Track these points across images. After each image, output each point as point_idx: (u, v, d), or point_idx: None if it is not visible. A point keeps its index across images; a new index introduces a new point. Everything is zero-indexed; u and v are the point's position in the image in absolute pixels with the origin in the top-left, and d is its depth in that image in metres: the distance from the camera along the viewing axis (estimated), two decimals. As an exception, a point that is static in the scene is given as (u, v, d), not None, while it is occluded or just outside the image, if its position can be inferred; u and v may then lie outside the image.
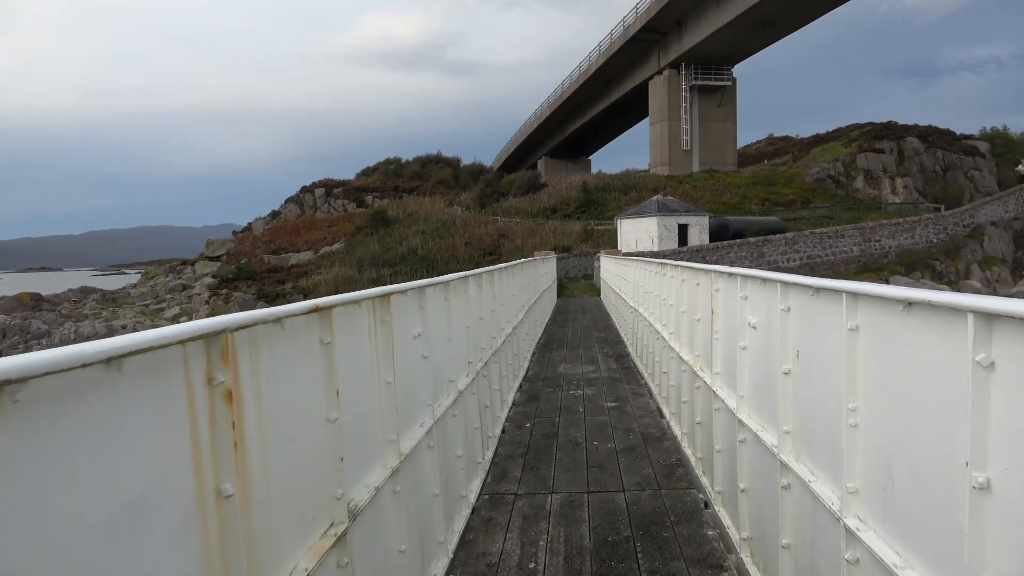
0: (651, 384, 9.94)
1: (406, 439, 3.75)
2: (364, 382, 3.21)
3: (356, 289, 3.73)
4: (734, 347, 4.61)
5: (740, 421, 4.44)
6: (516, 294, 10.59)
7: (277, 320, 2.26)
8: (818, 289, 3.05)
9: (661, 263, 8.56)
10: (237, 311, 30.16)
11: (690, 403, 6.56)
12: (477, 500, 5.87)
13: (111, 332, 31.19)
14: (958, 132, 59.12)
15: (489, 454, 6.97)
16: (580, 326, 18.32)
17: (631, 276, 13.32)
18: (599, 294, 27.73)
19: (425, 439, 4.15)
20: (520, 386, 10.43)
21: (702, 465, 6.05)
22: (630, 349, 13.46)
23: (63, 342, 31.75)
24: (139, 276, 74.00)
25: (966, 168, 53.30)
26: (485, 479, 6.42)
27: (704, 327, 5.83)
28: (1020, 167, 59.97)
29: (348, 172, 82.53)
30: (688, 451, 6.73)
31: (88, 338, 32.04)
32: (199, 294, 42.81)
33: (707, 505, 5.54)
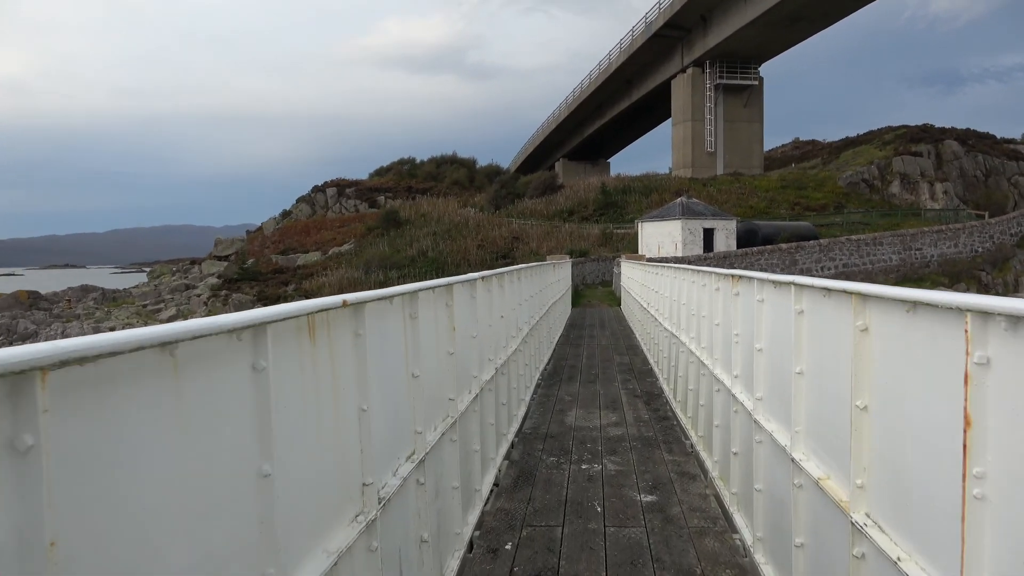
0: (704, 456, 6.71)
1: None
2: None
3: (360, 291, 3.14)
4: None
5: None
6: (515, 309, 8.19)
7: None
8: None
9: (730, 275, 5.59)
10: (232, 311, 28.55)
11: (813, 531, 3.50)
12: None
13: (99, 333, 29.38)
14: (998, 136, 56.19)
15: None
16: (598, 346, 15.29)
17: (666, 288, 10.19)
18: (619, 304, 25.24)
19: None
20: (509, 451, 7.30)
21: None
22: (664, 385, 10.33)
23: (48, 344, 30.01)
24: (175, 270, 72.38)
25: (1010, 173, 50.34)
26: None
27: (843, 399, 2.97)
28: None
29: (364, 173, 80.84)
30: None
31: (75, 340, 30.27)
32: (199, 295, 41.07)
33: None
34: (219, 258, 65.89)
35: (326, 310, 2.44)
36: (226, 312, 31.10)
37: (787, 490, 3.68)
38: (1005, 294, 35.29)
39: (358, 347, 2.78)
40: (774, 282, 4.01)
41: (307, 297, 39.40)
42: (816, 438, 3.35)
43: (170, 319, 35.11)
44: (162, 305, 40.36)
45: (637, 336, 16.12)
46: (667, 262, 30.40)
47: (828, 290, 3.08)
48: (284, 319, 2.11)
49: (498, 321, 6.87)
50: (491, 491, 6.00)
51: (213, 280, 49.62)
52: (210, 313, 36.34)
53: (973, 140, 52.37)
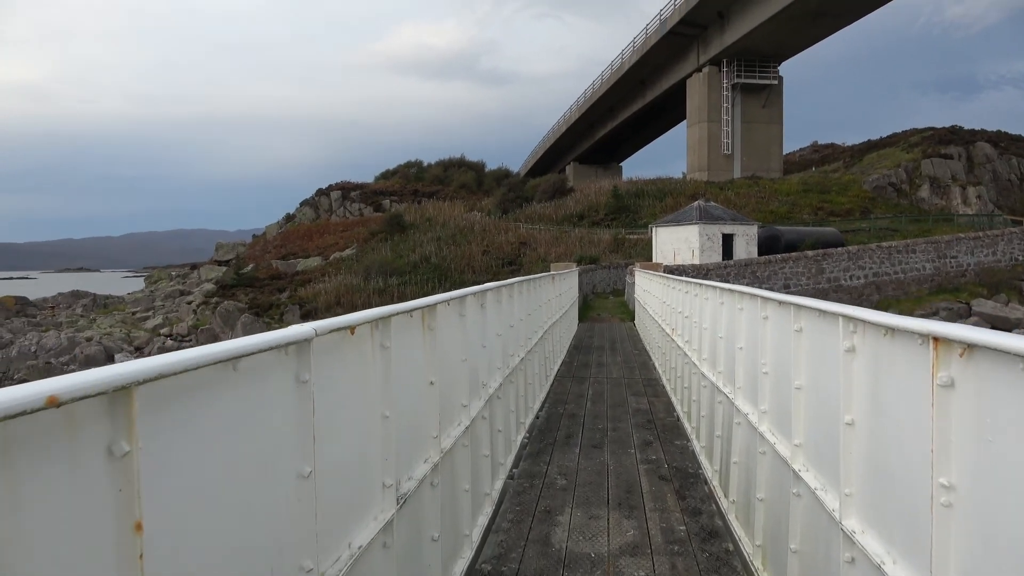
0: None
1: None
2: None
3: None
4: None
5: None
6: (489, 345, 5.96)
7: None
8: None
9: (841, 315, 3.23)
10: (218, 322, 25.90)
11: None
12: None
13: (73, 344, 27.50)
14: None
15: None
16: (607, 379, 12.13)
17: (699, 314, 7.31)
18: (632, 318, 22.89)
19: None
20: None
21: None
22: (703, 459, 7.11)
23: (22, 354, 28.25)
24: (176, 275, 70.46)
25: (1045, 177, 47.65)
26: None
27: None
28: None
29: (372, 177, 79.07)
30: None
31: (51, 350, 28.48)
32: (191, 302, 39.21)
33: None
34: (219, 263, 64.23)
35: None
36: (214, 320, 28.53)
37: None
38: (1048, 306, 32.72)
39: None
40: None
41: (301, 305, 37.71)
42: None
43: (156, 328, 33.23)
44: (151, 312, 38.54)
45: (656, 365, 13.11)
46: (686, 271, 28.18)
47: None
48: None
49: (459, 365, 4.73)
50: None
51: (209, 286, 47.84)
52: (198, 322, 34.51)
53: (1005, 143, 49.73)
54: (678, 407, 9.34)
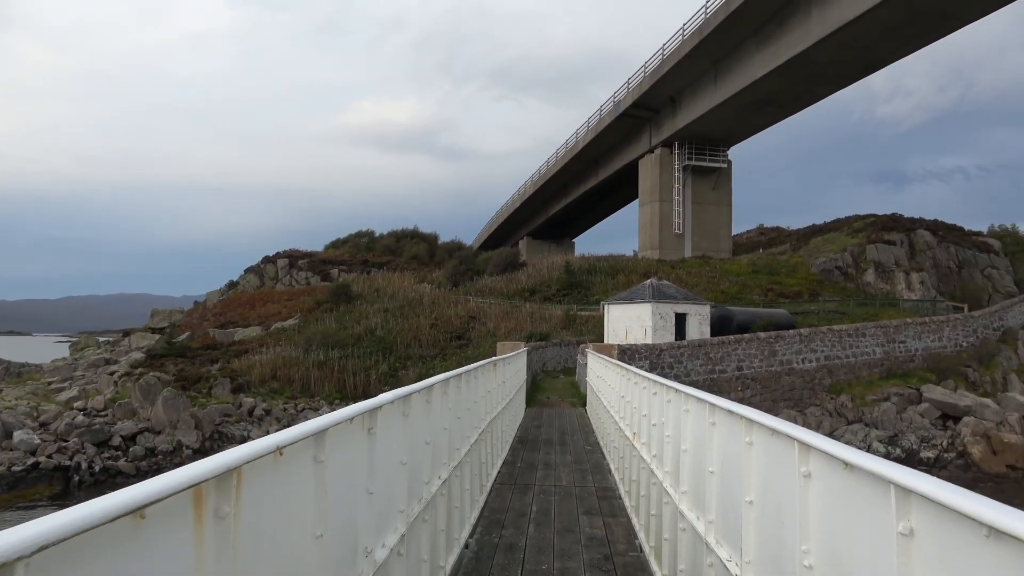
0: None
1: None
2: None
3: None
4: None
5: None
6: (423, 449, 4.65)
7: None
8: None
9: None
10: (138, 396, 23.46)
11: None
12: None
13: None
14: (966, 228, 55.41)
15: None
16: (555, 487, 10.18)
17: (687, 433, 5.15)
18: (583, 402, 21.48)
19: None
20: None
21: None
22: None
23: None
24: (106, 341, 66.12)
25: (982, 265, 49.08)
26: None
27: None
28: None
29: (322, 245, 77.27)
30: None
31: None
32: (113, 372, 36.47)
33: None
34: (153, 330, 61.03)
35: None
36: (135, 392, 25.78)
37: None
38: (993, 393, 32.77)
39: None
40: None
41: (233, 378, 35.37)
42: None
43: (69, 401, 30.51)
44: (68, 383, 35.66)
45: (612, 469, 11.25)
46: (639, 351, 27.22)
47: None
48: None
49: (359, 503, 3.46)
50: None
51: (138, 355, 44.95)
52: (118, 395, 31.88)
53: (943, 231, 51.35)
54: (641, 535, 7.47)
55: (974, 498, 1.66)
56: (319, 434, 2.78)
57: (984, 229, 57.54)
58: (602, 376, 14.39)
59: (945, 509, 1.75)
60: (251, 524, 2.15)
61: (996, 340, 37.15)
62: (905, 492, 1.95)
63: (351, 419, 3.18)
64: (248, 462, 2.08)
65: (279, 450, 2.32)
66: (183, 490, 1.72)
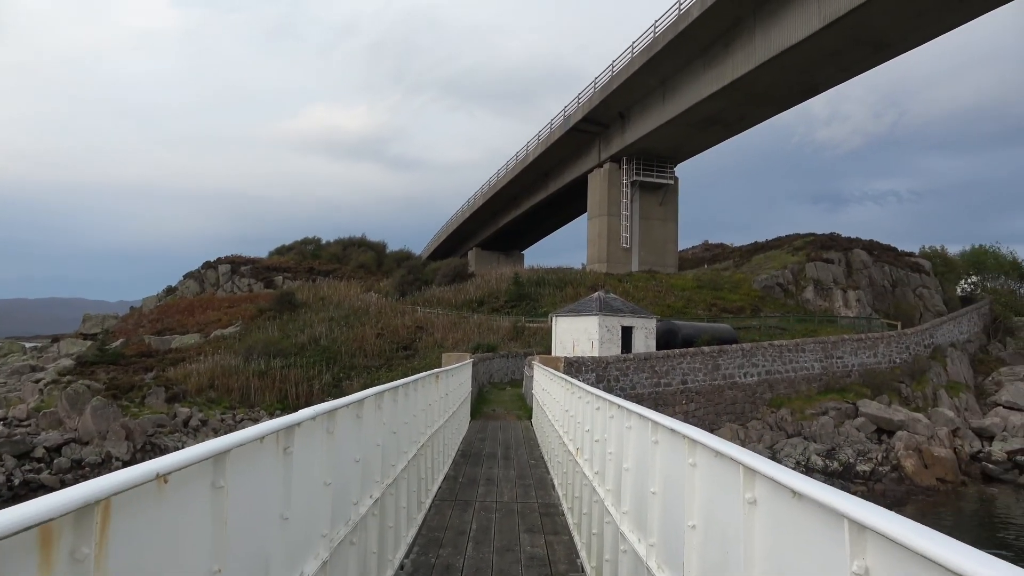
0: None
1: None
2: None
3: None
4: None
5: None
6: (352, 468, 4.41)
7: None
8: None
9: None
10: (64, 406, 22.29)
11: None
12: None
13: None
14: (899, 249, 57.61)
15: None
16: (497, 503, 9.98)
17: (630, 452, 5.03)
18: (529, 414, 21.35)
19: None
20: None
21: None
22: None
23: None
24: (33, 347, 62.72)
25: (914, 285, 51.08)
26: None
27: None
28: (960, 288, 58.77)
29: (266, 252, 75.27)
30: None
31: None
32: (38, 380, 34.70)
33: None
34: (85, 336, 58.45)
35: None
36: (61, 401, 24.57)
37: None
38: (924, 408, 34.01)
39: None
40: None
41: (167, 387, 34.08)
42: None
43: (-12, 409, 28.81)
44: (-12, 391, 33.75)
45: (555, 484, 11.06)
46: (586, 364, 27.26)
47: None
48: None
49: (270, 529, 3.19)
50: None
51: (67, 362, 42.91)
52: (43, 404, 30.32)
53: (878, 251, 53.25)
54: (583, 554, 7.31)
55: (938, 539, 1.53)
56: (219, 456, 2.50)
57: (916, 250, 60.14)
58: (547, 389, 14.22)
59: (905, 550, 1.61)
60: (122, 566, 1.87)
61: (927, 357, 38.61)
62: (860, 528, 1.83)
63: (261, 438, 2.93)
64: (118, 492, 1.82)
65: (161, 477, 2.06)
66: (24, 530, 1.42)
